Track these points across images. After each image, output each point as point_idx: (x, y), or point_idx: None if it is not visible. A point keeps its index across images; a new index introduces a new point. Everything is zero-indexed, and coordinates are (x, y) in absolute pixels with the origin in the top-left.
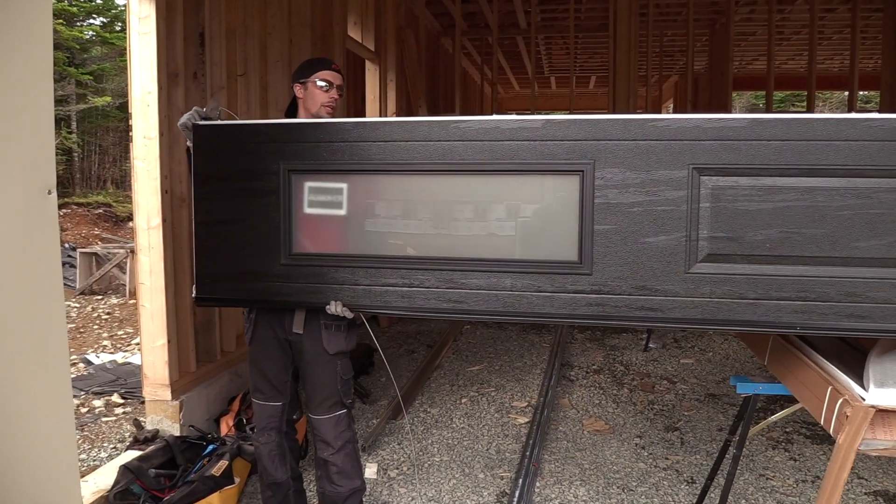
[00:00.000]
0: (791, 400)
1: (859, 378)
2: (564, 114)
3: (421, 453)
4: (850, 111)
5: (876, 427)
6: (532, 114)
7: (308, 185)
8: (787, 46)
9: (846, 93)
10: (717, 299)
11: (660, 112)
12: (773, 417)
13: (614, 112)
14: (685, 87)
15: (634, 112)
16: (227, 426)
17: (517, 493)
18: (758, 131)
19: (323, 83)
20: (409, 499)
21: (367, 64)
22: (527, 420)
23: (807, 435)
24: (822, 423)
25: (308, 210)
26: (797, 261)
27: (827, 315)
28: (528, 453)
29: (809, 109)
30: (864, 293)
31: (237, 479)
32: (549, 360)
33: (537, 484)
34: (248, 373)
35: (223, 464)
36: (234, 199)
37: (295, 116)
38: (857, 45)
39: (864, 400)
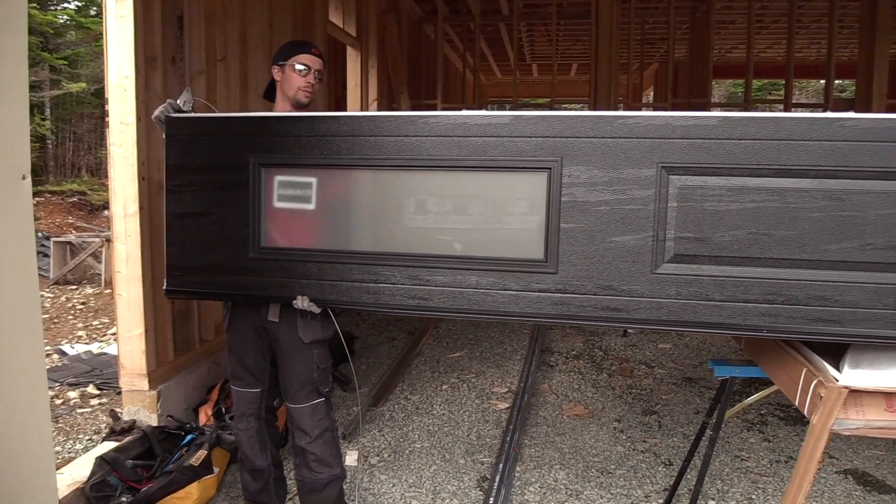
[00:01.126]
0: (766, 382)
1: (833, 361)
2: (546, 101)
3: (402, 440)
4: (826, 99)
5: (848, 407)
6: (514, 101)
7: (278, 178)
8: (766, 35)
9: (823, 81)
10: (683, 300)
11: (640, 100)
12: (749, 399)
13: (595, 100)
14: (666, 75)
15: (615, 100)
16: (205, 416)
17: (497, 478)
18: (728, 130)
19: (301, 67)
20: (390, 485)
21: (349, 50)
22: (507, 405)
23: (780, 417)
24: (796, 404)
25: (277, 204)
26: (765, 263)
27: (795, 319)
28: (508, 438)
29: (787, 97)
30: (833, 297)
31: (216, 469)
32: (529, 346)
33: (517, 468)
34: (226, 360)
35: (202, 453)
36: (205, 191)
37: (273, 99)
38: (835, 33)
39: (837, 381)
